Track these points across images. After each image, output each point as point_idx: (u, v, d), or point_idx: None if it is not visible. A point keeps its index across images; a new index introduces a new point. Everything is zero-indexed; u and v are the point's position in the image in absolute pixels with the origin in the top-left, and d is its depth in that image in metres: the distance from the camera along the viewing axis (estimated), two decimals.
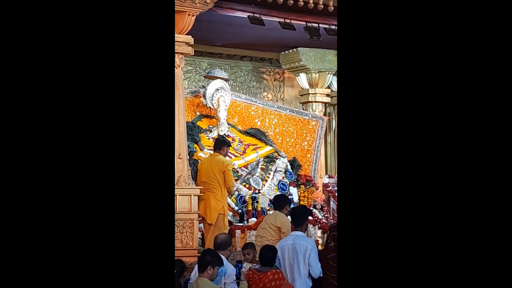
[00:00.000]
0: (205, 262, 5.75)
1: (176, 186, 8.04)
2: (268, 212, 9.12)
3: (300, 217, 6.89)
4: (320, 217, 9.46)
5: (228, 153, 8.84)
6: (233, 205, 9.17)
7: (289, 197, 8.91)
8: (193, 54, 8.77)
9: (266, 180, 9.73)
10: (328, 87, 11.55)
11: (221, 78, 10.10)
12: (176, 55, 8.28)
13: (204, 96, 9.93)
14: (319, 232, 9.18)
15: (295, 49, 11.17)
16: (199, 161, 9.26)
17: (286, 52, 11.33)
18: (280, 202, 7.69)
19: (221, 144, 8.62)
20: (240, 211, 9.20)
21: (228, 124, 10.04)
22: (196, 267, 6.02)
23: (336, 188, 9.80)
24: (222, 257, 5.97)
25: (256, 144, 10.11)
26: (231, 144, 9.06)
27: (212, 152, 8.87)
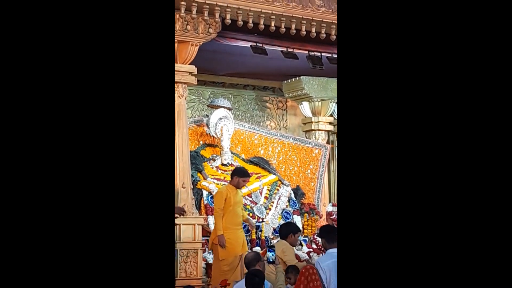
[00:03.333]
0: (255, 283, 6.00)
1: (179, 216, 8.04)
2: (272, 241, 9.10)
3: (332, 233, 6.86)
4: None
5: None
6: None
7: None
8: (196, 83, 8.82)
9: (270, 209, 9.72)
10: (331, 115, 11.57)
11: (224, 107, 10.13)
12: (180, 84, 8.34)
13: (207, 125, 9.95)
14: None
15: (297, 78, 11.20)
16: (202, 190, 9.26)
17: (289, 80, 11.36)
18: (283, 230, 7.81)
19: (232, 174, 8.45)
20: None
21: (232, 153, 10.05)
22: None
23: None
24: None
25: (260, 173, 10.11)
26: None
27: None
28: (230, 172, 8.69)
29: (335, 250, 6.58)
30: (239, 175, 8.24)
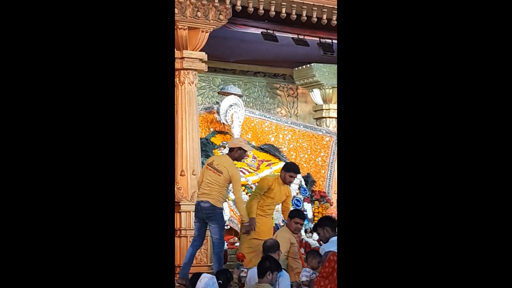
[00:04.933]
0: (264, 268, 5.94)
1: (190, 202, 8.04)
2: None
3: (334, 222, 6.83)
4: None
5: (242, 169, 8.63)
6: None
7: (304, 213, 8.86)
8: (206, 70, 8.82)
9: None
10: None
11: (235, 94, 10.12)
12: (190, 71, 8.34)
13: (218, 112, 9.95)
14: None
15: (308, 65, 11.16)
16: None
17: (300, 68, 11.32)
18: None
19: (282, 168, 8.35)
20: None
21: None
22: (250, 274, 6.44)
23: None
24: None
25: (270, 160, 10.10)
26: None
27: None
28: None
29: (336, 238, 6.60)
30: (285, 169, 8.09)
